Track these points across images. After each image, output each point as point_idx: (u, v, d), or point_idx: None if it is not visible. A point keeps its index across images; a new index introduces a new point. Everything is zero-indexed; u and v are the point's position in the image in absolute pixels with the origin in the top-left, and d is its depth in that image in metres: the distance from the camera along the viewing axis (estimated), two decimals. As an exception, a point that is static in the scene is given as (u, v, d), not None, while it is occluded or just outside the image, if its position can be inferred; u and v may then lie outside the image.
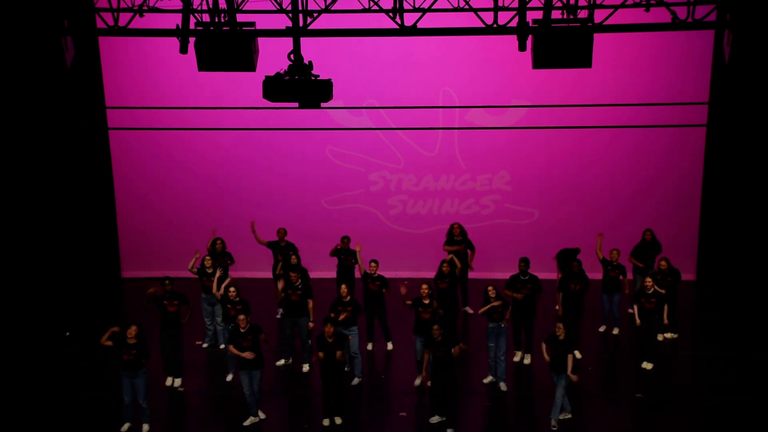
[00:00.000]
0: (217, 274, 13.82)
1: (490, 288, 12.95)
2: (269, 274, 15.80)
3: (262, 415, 12.33)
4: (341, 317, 12.90)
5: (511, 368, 13.60)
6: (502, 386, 13.01)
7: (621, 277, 14.40)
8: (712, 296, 16.15)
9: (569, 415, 12.09)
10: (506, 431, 12.34)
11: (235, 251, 17.09)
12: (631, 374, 13.54)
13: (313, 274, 16.34)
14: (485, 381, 13.19)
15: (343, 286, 13.22)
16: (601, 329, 14.84)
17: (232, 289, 13.04)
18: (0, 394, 13.07)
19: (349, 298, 13.16)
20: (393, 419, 12.42)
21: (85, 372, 13.75)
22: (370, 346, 14.25)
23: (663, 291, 13.38)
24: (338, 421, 12.22)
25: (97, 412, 12.56)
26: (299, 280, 13.55)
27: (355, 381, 13.30)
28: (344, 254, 15.21)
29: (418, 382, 13.14)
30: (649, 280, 13.31)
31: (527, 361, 13.86)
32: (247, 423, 12.21)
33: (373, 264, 13.87)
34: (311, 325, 13.49)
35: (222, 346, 14.04)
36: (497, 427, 12.45)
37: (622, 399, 12.85)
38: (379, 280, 13.84)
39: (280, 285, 13.17)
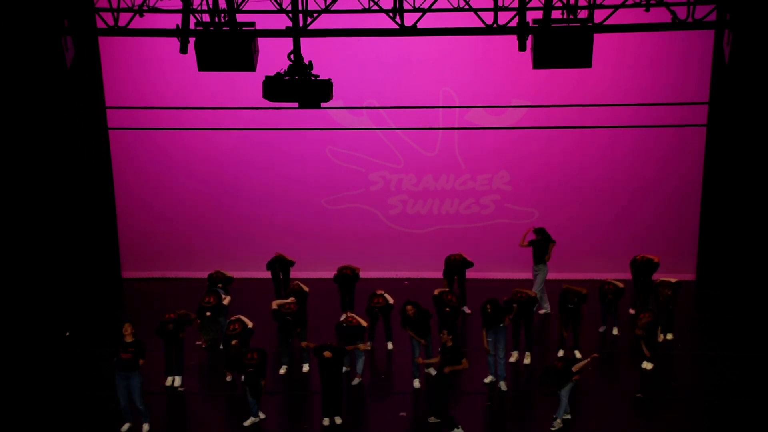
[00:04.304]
0: (226, 300, 14.30)
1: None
2: (268, 274, 15.81)
3: (262, 415, 12.33)
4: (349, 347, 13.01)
5: (511, 368, 13.60)
6: (502, 386, 13.01)
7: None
8: (712, 296, 16.14)
9: (569, 416, 12.09)
10: (506, 431, 12.35)
11: (234, 251, 17.17)
12: (631, 374, 13.54)
13: (312, 275, 16.42)
14: (485, 381, 13.19)
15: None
16: (601, 329, 14.84)
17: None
18: (0, 394, 13.08)
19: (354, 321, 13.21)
20: (393, 419, 12.41)
21: (85, 372, 13.75)
22: (369, 346, 14.24)
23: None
24: (338, 421, 12.23)
25: (97, 412, 12.57)
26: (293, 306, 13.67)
27: (355, 381, 13.30)
28: (348, 269, 15.18)
29: (417, 383, 13.14)
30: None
31: (527, 360, 13.87)
32: (247, 423, 12.21)
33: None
34: (304, 344, 13.34)
35: (221, 347, 14.05)
36: (497, 427, 12.46)
37: (622, 399, 12.86)
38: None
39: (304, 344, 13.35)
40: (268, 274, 15.80)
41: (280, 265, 15.62)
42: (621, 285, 14.49)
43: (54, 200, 15.80)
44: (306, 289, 14.64)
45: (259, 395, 12.16)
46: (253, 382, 12.03)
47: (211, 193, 17.15)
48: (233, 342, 12.78)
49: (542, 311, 15.42)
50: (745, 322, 15.00)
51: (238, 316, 13.32)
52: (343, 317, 13.74)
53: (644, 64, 15.85)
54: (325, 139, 16.63)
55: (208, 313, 13.85)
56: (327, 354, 11.98)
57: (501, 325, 13.00)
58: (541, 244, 15.25)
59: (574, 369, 11.88)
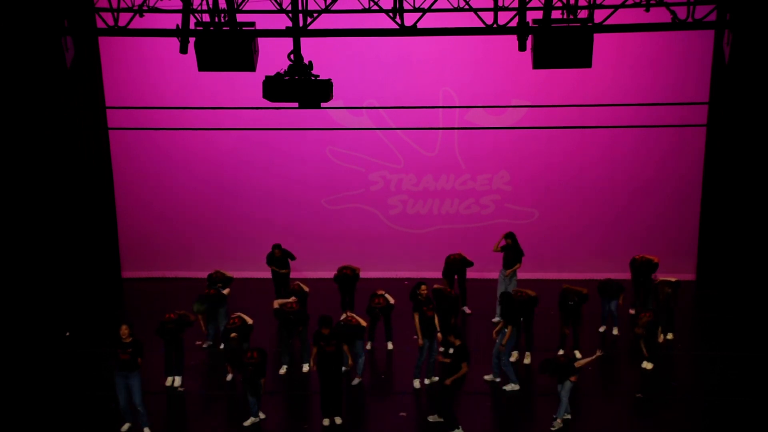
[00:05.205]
0: (226, 291, 14.46)
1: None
2: (268, 274, 15.81)
3: (262, 415, 12.33)
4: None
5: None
6: (508, 387, 13.00)
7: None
8: (712, 296, 16.15)
9: (569, 416, 12.09)
10: (506, 431, 12.34)
11: (234, 251, 17.19)
12: (631, 374, 13.55)
13: (312, 275, 16.43)
14: (486, 378, 13.17)
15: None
16: (601, 329, 14.84)
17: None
18: (0, 394, 13.08)
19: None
20: (393, 419, 12.41)
21: (85, 372, 13.76)
22: (369, 346, 14.25)
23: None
24: (338, 421, 12.22)
25: (97, 412, 12.57)
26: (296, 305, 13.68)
27: (356, 381, 13.30)
28: (348, 269, 15.17)
29: (417, 384, 13.14)
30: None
31: (527, 360, 13.87)
32: (247, 423, 12.21)
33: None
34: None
35: (221, 346, 14.06)
36: (497, 426, 12.45)
37: (622, 399, 12.86)
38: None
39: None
40: (268, 274, 15.80)
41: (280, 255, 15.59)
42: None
43: (54, 200, 15.79)
44: (306, 289, 14.65)
45: (259, 394, 12.16)
46: (252, 381, 12.04)
47: (211, 193, 17.16)
48: (232, 335, 12.77)
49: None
50: (745, 322, 15.00)
51: (238, 313, 13.34)
52: (342, 317, 13.74)
53: (644, 64, 15.85)
54: (325, 139, 16.64)
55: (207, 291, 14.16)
56: (325, 330, 11.98)
57: (504, 329, 13.00)
58: (512, 249, 15.19)
59: (577, 365, 11.88)
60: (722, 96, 15.35)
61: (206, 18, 11.31)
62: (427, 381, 13.19)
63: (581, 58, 10.54)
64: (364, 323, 13.25)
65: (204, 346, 14.50)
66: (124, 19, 11.63)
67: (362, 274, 15.24)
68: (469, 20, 11.51)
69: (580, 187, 16.76)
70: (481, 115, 16.20)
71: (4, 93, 14.47)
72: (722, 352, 14.07)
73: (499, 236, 15.34)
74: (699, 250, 16.67)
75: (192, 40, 10.83)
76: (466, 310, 15.50)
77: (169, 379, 13.29)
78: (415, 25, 11.05)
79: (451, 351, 12.10)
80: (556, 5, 10.85)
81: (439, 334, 13.02)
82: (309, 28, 11.01)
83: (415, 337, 13.10)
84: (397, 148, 16.79)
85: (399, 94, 15.89)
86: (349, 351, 12.74)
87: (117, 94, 16.29)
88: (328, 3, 11.18)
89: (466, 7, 11.44)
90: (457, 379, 11.72)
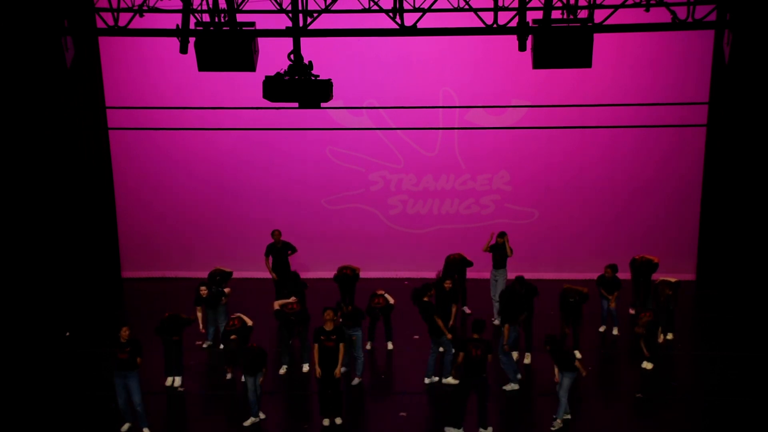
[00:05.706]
0: (227, 290, 14.44)
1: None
2: (268, 274, 15.80)
3: (262, 415, 12.33)
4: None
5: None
6: (508, 387, 13.00)
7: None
8: (712, 296, 16.15)
9: (569, 416, 12.09)
10: (506, 431, 12.34)
11: (234, 251, 17.18)
12: (631, 374, 13.55)
13: (311, 275, 16.43)
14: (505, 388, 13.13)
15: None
16: (601, 329, 14.85)
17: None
18: (0, 394, 13.08)
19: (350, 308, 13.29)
20: (393, 419, 12.41)
21: (85, 372, 13.76)
22: (369, 346, 14.25)
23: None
24: (338, 421, 12.22)
25: (97, 412, 12.57)
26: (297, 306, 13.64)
27: (355, 381, 13.30)
28: (348, 269, 15.15)
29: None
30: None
31: (527, 360, 13.86)
32: (247, 423, 12.21)
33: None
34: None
35: (221, 346, 14.06)
36: (498, 426, 12.44)
37: (622, 399, 12.86)
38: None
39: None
40: (268, 274, 15.79)
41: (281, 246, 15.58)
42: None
43: (54, 200, 15.80)
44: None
45: (236, 363, 12.08)
46: (234, 352, 12.03)
47: (211, 193, 17.16)
48: (232, 337, 12.80)
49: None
50: (745, 322, 15.00)
51: (238, 314, 13.34)
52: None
53: (644, 64, 15.86)
54: (325, 139, 16.64)
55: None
56: (327, 319, 11.94)
57: (502, 329, 13.02)
58: (501, 248, 15.14)
59: (575, 363, 11.89)
60: (722, 96, 15.36)
61: (206, 18, 11.32)
62: (426, 380, 13.18)
63: (581, 58, 10.55)
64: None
65: (204, 346, 14.50)
66: (124, 19, 11.63)
67: (362, 274, 15.24)
68: (469, 20, 11.51)
69: (580, 187, 16.76)
70: (481, 115, 16.20)
71: (4, 93, 14.48)
72: (722, 352, 14.07)
73: (491, 236, 15.26)
74: (699, 250, 16.68)
75: (192, 40, 10.84)
76: (466, 310, 15.51)
77: (169, 379, 13.29)
78: (415, 25, 11.05)
79: (453, 351, 12.12)
80: (556, 5, 10.85)
81: (449, 334, 13.03)
82: (309, 28, 11.01)
83: (416, 337, 13.10)
84: (397, 148, 16.79)
85: (399, 94, 15.89)
86: (344, 356, 12.73)
87: (117, 94, 16.29)
88: (328, 3, 11.18)
89: (466, 7, 11.44)
90: (459, 368, 11.68)
